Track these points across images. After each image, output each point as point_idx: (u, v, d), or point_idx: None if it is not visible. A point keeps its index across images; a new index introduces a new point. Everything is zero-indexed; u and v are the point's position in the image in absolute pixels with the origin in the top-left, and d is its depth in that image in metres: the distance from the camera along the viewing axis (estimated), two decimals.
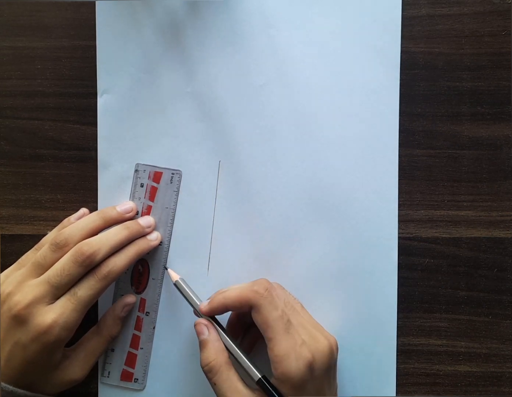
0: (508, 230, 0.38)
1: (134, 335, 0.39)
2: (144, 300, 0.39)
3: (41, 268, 0.34)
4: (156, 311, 0.39)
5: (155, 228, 0.38)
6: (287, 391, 0.32)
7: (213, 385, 0.33)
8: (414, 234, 0.38)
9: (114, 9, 0.38)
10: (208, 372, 0.33)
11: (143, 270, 0.39)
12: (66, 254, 0.34)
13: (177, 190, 0.39)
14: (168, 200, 0.39)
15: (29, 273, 0.34)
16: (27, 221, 0.40)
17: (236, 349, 0.34)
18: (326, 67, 0.38)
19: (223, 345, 0.34)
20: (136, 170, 0.39)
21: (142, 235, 0.37)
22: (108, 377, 0.39)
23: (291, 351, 0.32)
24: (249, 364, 0.34)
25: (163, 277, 0.39)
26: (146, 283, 0.39)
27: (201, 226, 0.39)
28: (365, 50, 0.38)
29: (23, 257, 0.37)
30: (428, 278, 0.38)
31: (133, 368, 0.39)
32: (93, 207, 0.39)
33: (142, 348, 0.39)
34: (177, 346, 0.39)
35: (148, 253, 0.38)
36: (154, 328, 0.39)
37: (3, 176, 0.40)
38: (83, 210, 0.38)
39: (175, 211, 0.39)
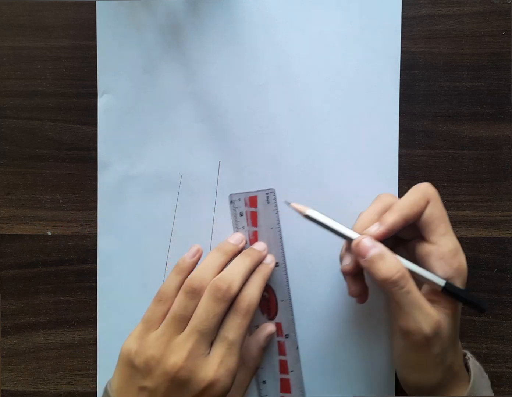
0: (508, 230, 0.38)
1: (280, 360, 0.38)
2: (280, 324, 0.38)
3: (185, 320, 0.32)
4: (294, 332, 0.38)
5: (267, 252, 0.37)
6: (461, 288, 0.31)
7: (406, 293, 0.30)
8: None
9: (114, 9, 0.38)
10: (401, 279, 0.30)
11: (269, 296, 0.38)
12: (203, 297, 0.32)
13: (276, 208, 0.38)
14: (271, 221, 0.38)
15: (174, 329, 0.32)
16: (27, 221, 0.40)
17: (410, 262, 0.32)
18: (326, 67, 0.38)
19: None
20: (231, 201, 0.38)
21: (262, 259, 0.36)
22: None
23: (458, 245, 0.32)
24: (431, 273, 0.32)
25: (290, 296, 0.38)
26: (276, 307, 0.38)
27: (201, 226, 0.39)
28: (365, 50, 0.38)
29: (149, 314, 0.33)
30: None
31: (290, 392, 0.38)
32: (93, 207, 0.39)
33: (292, 371, 0.38)
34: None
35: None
36: (297, 348, 0.38)
37: (3, 176, 0.40)
38: (196, 246, 0.36)
39: (280, 229, 0.38)
